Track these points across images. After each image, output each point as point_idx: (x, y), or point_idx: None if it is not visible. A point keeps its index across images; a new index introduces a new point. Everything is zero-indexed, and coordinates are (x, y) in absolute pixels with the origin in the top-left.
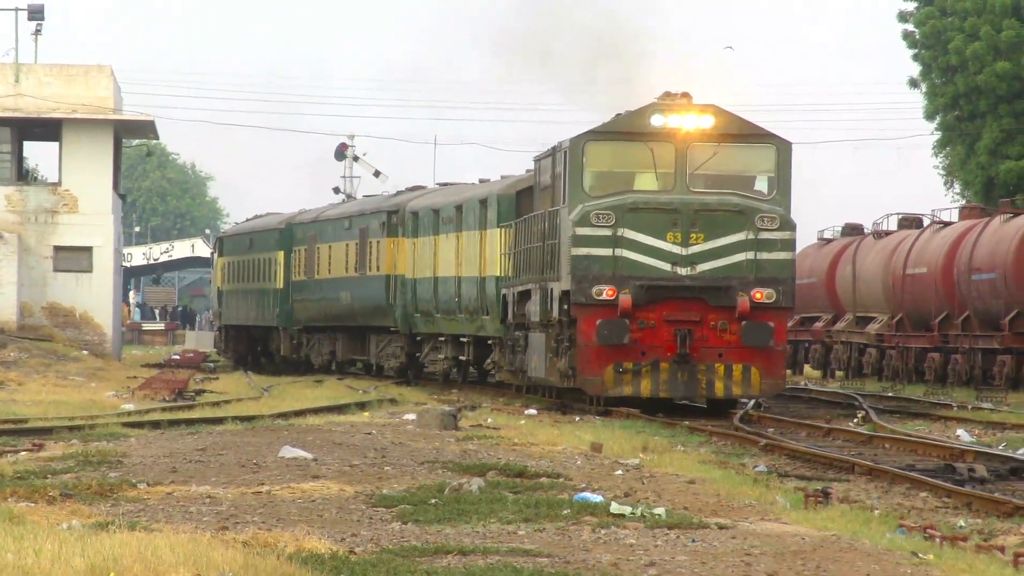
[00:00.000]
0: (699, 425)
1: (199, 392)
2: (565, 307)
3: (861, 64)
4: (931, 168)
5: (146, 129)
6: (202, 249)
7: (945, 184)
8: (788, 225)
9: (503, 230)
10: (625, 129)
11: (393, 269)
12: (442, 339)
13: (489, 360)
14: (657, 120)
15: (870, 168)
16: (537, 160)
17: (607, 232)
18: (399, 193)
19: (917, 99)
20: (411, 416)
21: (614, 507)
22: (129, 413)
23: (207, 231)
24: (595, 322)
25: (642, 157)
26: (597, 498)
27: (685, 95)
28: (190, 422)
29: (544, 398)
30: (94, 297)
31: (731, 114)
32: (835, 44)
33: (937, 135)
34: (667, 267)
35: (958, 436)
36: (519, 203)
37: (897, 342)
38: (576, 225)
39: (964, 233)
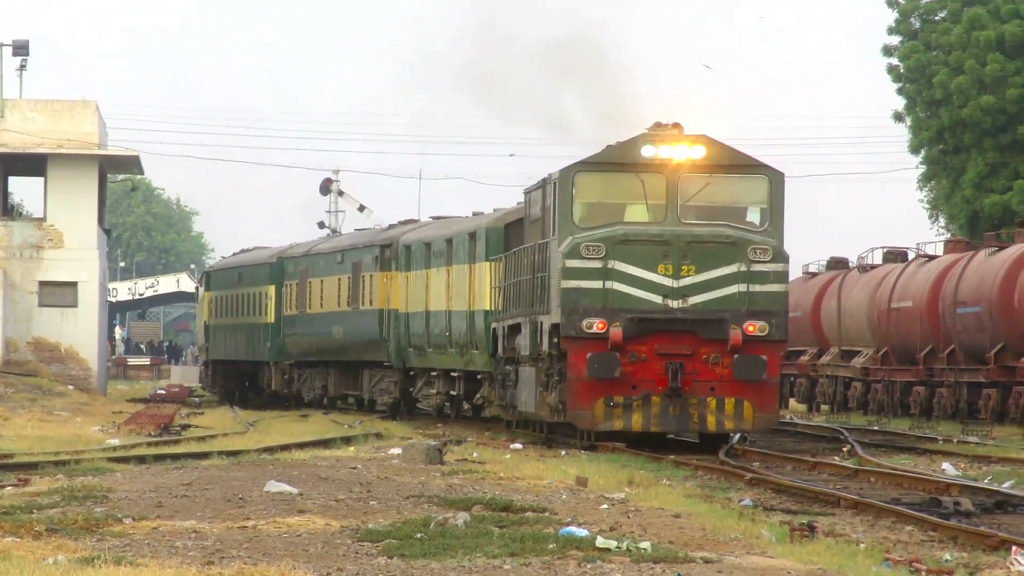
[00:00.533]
0: (685, 459)
1: (185, 427)
2: (555, 340)
3: (845, 98)
4: (916, 202)
5: (131, 164)
6: (187, 284)
7: (930, 217)
8: (781, 257)
9: (492, 263)
10: (615, 160)
11: (387, 303)
12: (434, 374)
13: (479, 395)
14: (648, 151)
15: (856, 201)
16: (527, 192)
17: (597, 264)
18: (391, 227)
19: (902, 133)
20: (397, 451)
21: (600, 541)
22: (115, 448)
23: (192, 266)
24: (585, 355)
25: (633, 188)
26: (583, 532)
27: (676, 125)
28: (176, 457)
29: (535, 433)
30: (79, 332)
31: (722, 144)
32: (819, 77)
33: (922, 169)
34: (658, 299)
35: (944, 470)
36: (508, 236)
37: (882, 376)
38: (566, 257)
39: (949, 267)
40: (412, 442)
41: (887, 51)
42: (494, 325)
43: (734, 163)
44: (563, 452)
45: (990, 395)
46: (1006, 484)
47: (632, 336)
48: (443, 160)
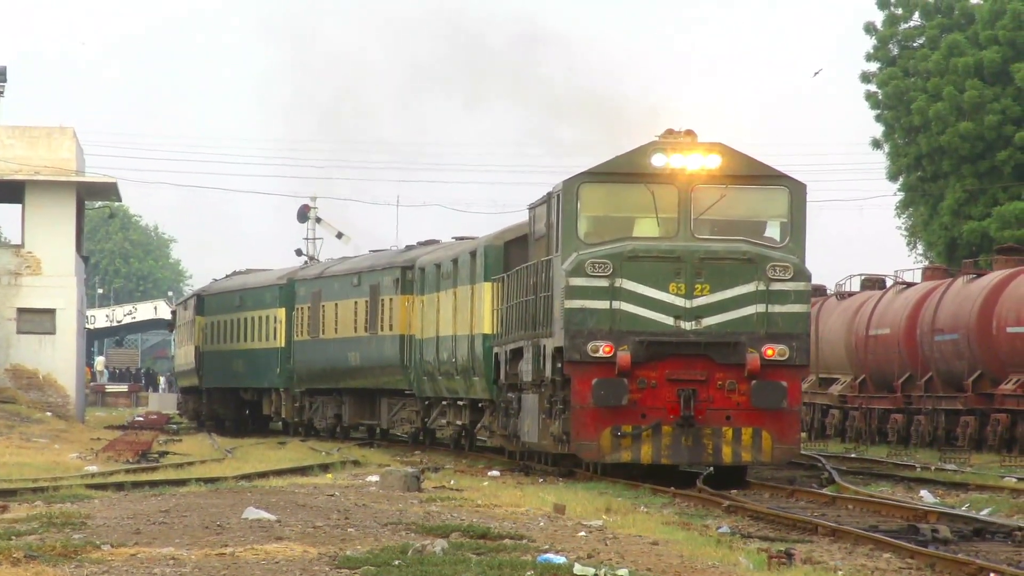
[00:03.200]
0: (662, 487)
1: (163, 454)
2: (559, 365)
3: (823, 125)
4: (894, 228)
5: (109, 191)
6: (165, 311)
7: (908, 244)
8: (803, 275)
9: (493, 284)
10: (623, 170)
11: (407, 328)
12: (445, 403)
13: (480, 424)
14: (658, 160)
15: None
16: (532, 208)
17: (604, 283)
18: (409, 248)
19: (880, 159)
20: (374, 478)
21: (577, 569)
22: (93, 475)
23: (170, 293)
24: (591, 382)
25: (642, 200)
26: (560, 559)
27: (689, 132)
28: (154, 484)
29: (541, 465)
30: (57, 359)
31: (740, 153)
32: (798, 104)
33: (900, 195)
34: (669, 321)
35: (921, 497)
36: (508, 254)
37: (860, 403)
38: (570, 275)
39: (927, 294)
40: (390, 469)
41: (865, 78)
42: (496, 350)
43: (752, 173)
44: (540, 479)
45: (968, 422)
46: (984, 511)
47: (641, 360)
48: (421, 187)
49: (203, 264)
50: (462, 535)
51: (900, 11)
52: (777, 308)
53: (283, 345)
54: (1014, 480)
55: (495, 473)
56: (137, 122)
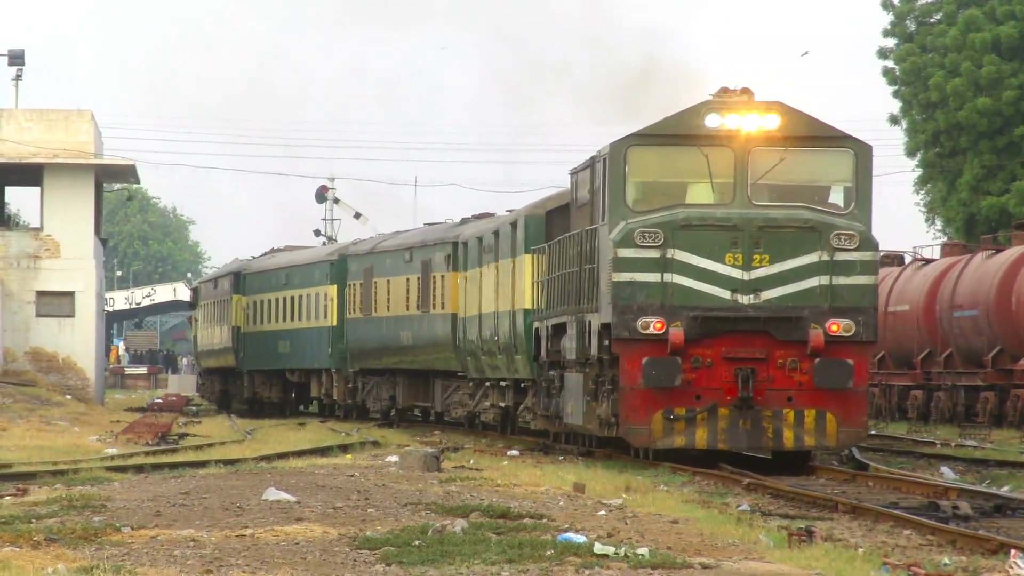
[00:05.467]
0: (681, 465)
1: (182, 436)
2: (606, 343)
3: (841, 100)
4: (912, 205)
5: (127, 173)
6: (184, 293)
7: (927, 221)
8: (869, 244)
9: (534, 256)
10: (675, 132)
11: (461, 307)
12: (488, 384)
13: (523, 406)
14: (713, 120)
15: None
16: (573, 173)
17: (655, 254)
18: (464, 222)
19: (898, 135)
20: (393, 458)
21: (597, 547)
22: (112, 457)
23: (188, 275)
24: (641, 361)
25: (695, 164)
26: (580, 538)
27: (745, 91)
28: (173, 466)
29: (581, 448)
30: (77, 342)
31: (800, 113)
32: (813, 80)
33: (918, 172)
34: (726, 295)
35: (942, 474)
36: (551, 224)
37: (880, 380)
38: (618, 246)
39: (946, 270)
40: (409, 449)
41: (882, 54)
42: (536, 325)
43: (814, 134)
44: (560, 458)
45: (988, 398)
46: (1004, 488)
47: (695, 338)
48: (436, 167)
49: (222, 246)
50: (482, 515)
51: None
52: (842, 280)
53: (334, 324)
54: None
55: (514, 453)
56: (155, 105)
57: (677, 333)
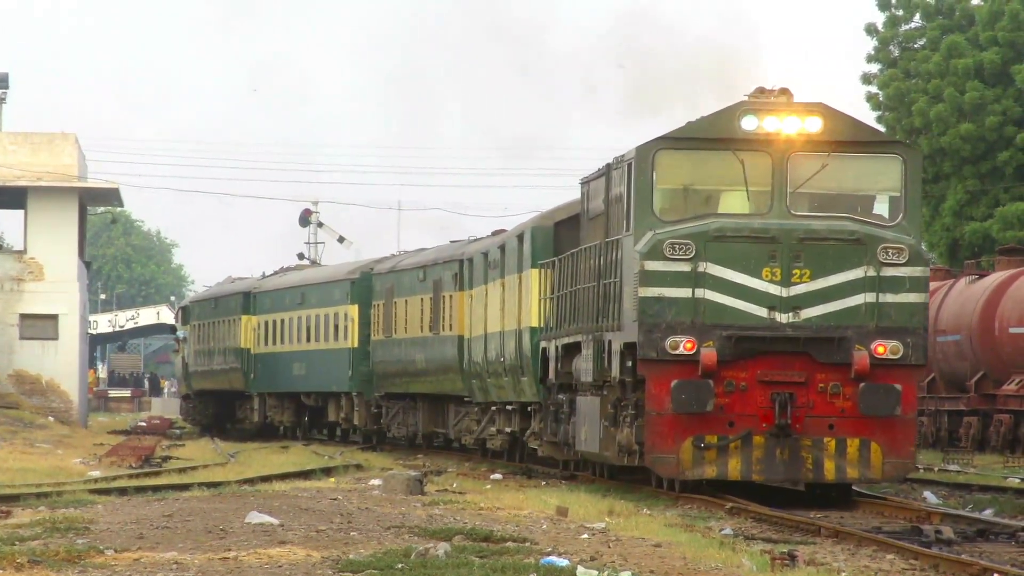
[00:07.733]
0: (663, 490)
1: (165, 458)
2: (629, 364)
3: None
4: None
5: (111, 196)
6: (167, 316)
7: None
8: (919, 259)
9: (541, 270)
10: (707, 135)
11: (467, 328)
12: (494, 408)
13: (529, 431)
14: (749, 123)
15: None
16: (585, 183)
17: (685, 267)
18: (477, 239)
19: None
20: (377, 481)
21: (580, 571)
22: (96, 480)
23: (172, 298)
24: (669, 384)
25: (730, 171)
26: (563, 562)
27: (784, 91)
28: (157, 488)
29: (595, 477)
30: (60, 364)
31: (844, 115)
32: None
33: None
34: (763, 312)
35: (925, 498)
36: (559, 237)
37: None
38: (644, 258)
39: (929, 295)
40: (392, 473)
41: (866, 79)
42: (543, 344)
43: (859, 139)
44: (543, 482)
45: (971, 423)
46: (987, 512)
47: (729, 359)
48: (420, 191)
49: (205, 269)
50: (465, 538)
51: (901, 12)
52: (890, 297)
53: (355, 345)
54: (1017, 481)
55: (497, 476)
56: (138, 127)
57: (709, 354)
